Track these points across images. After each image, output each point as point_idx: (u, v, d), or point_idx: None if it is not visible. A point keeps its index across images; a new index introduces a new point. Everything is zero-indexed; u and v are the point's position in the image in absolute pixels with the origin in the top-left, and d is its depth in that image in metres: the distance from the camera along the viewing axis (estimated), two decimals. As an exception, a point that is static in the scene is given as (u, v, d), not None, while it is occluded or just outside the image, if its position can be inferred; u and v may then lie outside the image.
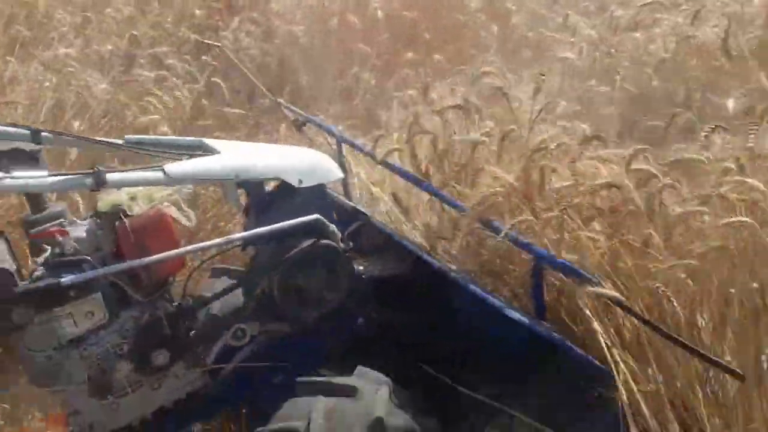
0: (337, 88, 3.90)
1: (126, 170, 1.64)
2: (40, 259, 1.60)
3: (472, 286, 1.85)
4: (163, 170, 1.60)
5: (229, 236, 1.74)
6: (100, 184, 1.51)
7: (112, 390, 1.66)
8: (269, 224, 1.72)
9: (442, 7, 3.95)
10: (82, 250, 1.60)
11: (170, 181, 1.62)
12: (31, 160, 1.65)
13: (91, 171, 1.51)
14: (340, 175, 1.97)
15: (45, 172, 1.59)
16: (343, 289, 1.81)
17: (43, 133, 1.69)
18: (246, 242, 1.80)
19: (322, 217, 1.76)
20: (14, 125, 1.73)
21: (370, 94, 3.79)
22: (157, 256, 1.60)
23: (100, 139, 2.14)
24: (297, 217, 1.72)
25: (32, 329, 1.55)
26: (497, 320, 1.74)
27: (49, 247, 1.59)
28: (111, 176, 1.53)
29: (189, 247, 1.69)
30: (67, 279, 1.50)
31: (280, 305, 1.74)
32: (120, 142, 1.90)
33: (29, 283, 1.53)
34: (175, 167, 1.63)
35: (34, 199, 1.70)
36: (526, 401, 1.62)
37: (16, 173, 1.54)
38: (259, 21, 4.16)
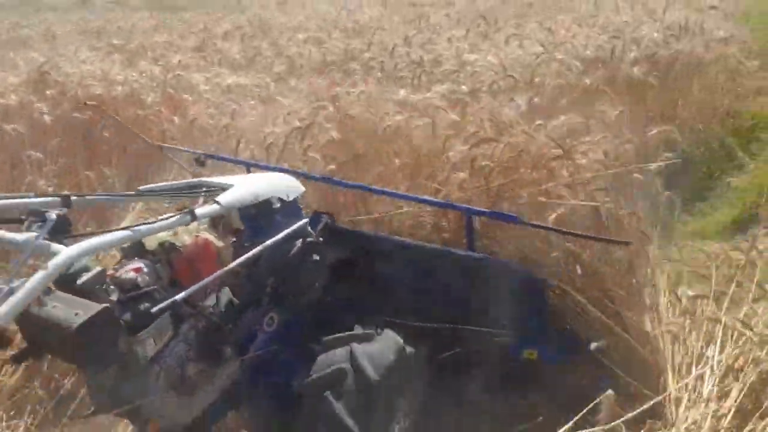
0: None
1: (198, 207, 1.92)
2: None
3: (408, 241, 2.59)
4: (217, 202, 1.96)
5: (252, 251, 2.04)
6: (192, 219, 1.83)
7: (190, 389, 1.96)
8: (274, 233, 2.12)
9: (117, 104, 3.88)
10: (149, 282, 1.86)
11: (223, 209, 1.98)
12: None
13: (186, 210, 1.82)
14: (302, 189, 2.42)
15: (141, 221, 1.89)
16: (325, 274, 2.27)
17: (72, 197, 1.85)
18: (263, 252, 2.07)
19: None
20: (46, 194, 1.95)
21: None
22: (212, 277, 1.93)
23: (121, 193, 2.61)
24: (289, 225, 2.19)
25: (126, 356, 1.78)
26: (438, 260, 2.45)
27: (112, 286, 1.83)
28: (198, 211, 1.85)
29: (231, 264, 2.00)
30: (156, 307, 1.78)
31: (289, 294, 2.19)
32: (132, 193, 2.32)
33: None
34: (224, 198, 1.99)
35: None
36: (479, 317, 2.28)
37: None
38: None
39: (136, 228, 1.79)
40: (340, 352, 2.03)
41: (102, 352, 1.72)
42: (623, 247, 2.46)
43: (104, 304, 1.69)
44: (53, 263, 1.52)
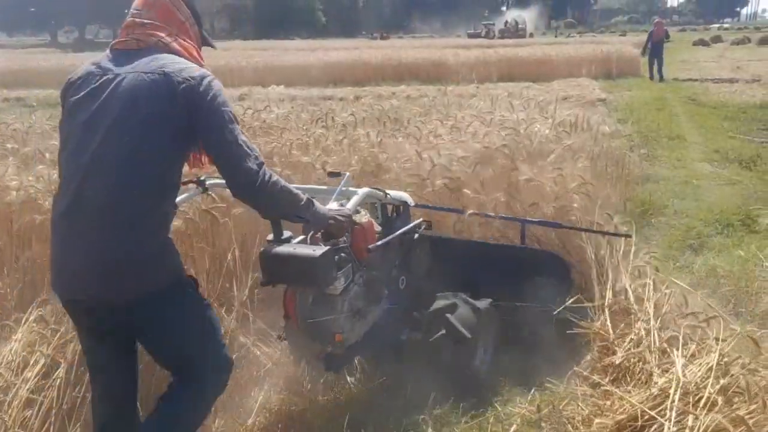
0: None
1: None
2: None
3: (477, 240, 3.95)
4: (387, 193, 3.18)
5: (400, 231, 3.13)
6: (384, 196, 3.17)
7: (360, 316, 2.89)
8: (401, 225, 3.22)
9: (11, 210, 3.71)
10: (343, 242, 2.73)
11: (388, 201, 3.24)
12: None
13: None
14: (412, 201, 3.48)
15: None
16: (428, 258, 3.34)
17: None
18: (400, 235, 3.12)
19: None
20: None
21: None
22: (376, 244, 2.90)
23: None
24: (406, 222, 3.28)
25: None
26: (498, 251, 3.76)
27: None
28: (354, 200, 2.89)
29: (388, 238, 3.02)
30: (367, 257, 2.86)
31: (410, 266, 3.23)
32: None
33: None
34: (392, 193, 3.25)
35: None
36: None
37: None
38: None
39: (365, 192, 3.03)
40: (446, 299, 3.31)
41: (326, 276, 2.63)
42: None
43: (328, 246, 2.62)
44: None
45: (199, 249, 3.61)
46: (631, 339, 2.89)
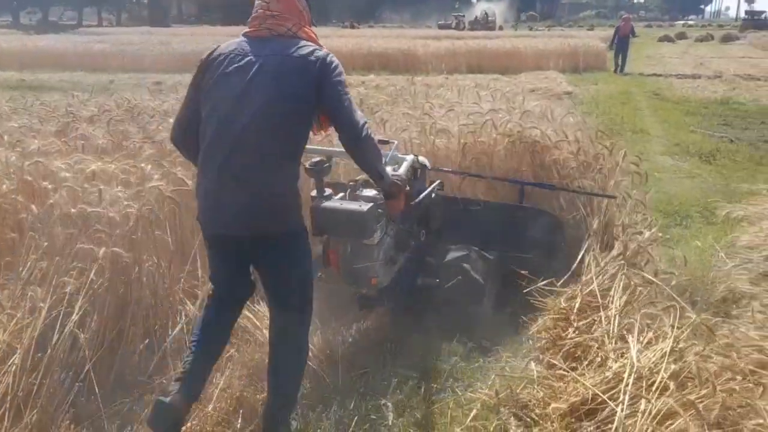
0: None
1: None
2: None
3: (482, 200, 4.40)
4: (417, 157, 3.73)
5: (426, 191, 3.71)
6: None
7: (392, 262, 3.47)
8: (423, 186, 3.78)
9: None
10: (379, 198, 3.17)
11: (416, 164, 3.74)
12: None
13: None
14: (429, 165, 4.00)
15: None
16: (442, 215, 3.97)
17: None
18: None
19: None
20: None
21: None
22: (415, 201, 3.52)
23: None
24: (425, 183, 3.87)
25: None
26: (500, 210, 4.27)
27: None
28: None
29: (421, 197, 3.60)
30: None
31: (430, 220, 3.81)
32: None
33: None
34: (421, 159, 3.80)
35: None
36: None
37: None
38: None
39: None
40: (461, 250, 3.89)
41: (370, 228, 3.11)
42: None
43: (371, 203, 3.12)
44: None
45: (160, 237, 3.57)
46: (593, 320, 2.95)
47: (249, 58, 2.64)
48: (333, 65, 2.65)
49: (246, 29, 2.78)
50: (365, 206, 3.07)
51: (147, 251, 3.52)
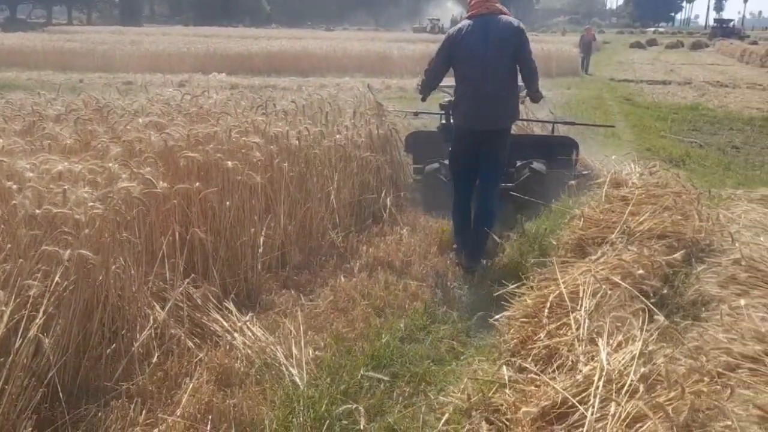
0: None
1: None
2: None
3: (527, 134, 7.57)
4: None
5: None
6: None
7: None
8: None
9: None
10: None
11: None
12: None
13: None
14: None
15: None
16: None
17: None
18: None
19: None
20: None
21: None
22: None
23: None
24: None
25: None
26: (536, 140, 7.23)
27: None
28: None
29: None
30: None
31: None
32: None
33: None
34: None
35: None
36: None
37: None
38: None
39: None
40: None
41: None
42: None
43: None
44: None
45: (127, 239, 3.50)
46: (563, 323, 2.96)
47: (482, 29, 4.71)
48: (524, 31, 4.74)
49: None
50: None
51: (114, 253, 3.44)
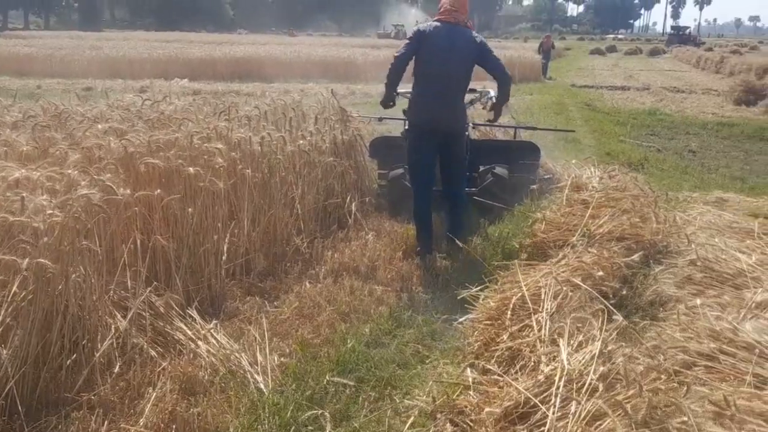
0: None
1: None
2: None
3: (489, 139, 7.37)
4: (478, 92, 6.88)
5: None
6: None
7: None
8: None
9: None
10: None
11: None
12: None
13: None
14: None
15: None
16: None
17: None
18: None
19: None
20: None
21: None
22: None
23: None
24: None
25: None
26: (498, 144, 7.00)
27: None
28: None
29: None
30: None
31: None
32: None
33: None
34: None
35: None
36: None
37: None
38: None
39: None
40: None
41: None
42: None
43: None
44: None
45: (87, 248, 3.45)
46: (525, 325, 3.01)
47: (448, 31, 4.96)
48: (486, 42, 5.08)
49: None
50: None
51: (74, 262, 3.38)
